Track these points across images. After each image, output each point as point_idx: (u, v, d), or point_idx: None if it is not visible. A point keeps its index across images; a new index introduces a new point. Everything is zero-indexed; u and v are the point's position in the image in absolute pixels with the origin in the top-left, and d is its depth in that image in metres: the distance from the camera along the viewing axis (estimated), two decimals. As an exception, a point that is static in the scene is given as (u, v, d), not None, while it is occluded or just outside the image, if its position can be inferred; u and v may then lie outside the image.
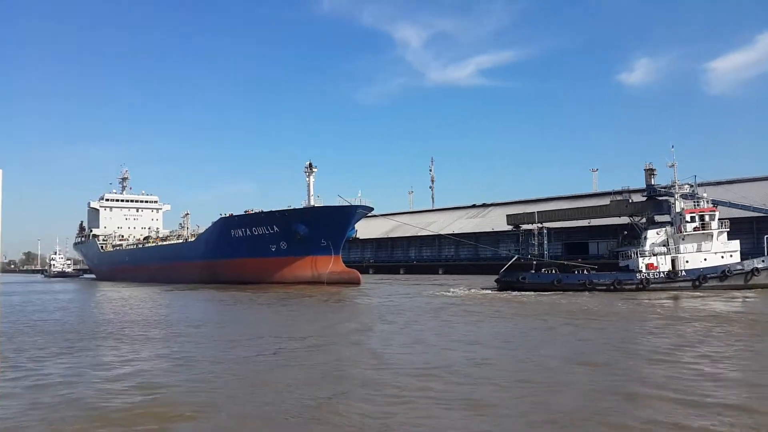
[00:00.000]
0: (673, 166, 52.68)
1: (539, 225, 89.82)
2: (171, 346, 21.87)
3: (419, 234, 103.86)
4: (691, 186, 59.50)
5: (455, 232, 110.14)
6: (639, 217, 62.29)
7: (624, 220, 67.17)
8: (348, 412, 11.97)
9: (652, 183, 66.05)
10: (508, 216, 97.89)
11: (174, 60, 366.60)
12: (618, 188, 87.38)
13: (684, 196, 54.66)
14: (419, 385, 14.29)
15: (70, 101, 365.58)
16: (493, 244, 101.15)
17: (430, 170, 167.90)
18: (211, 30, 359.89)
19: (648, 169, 67.24)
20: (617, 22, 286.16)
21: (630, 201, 67.99)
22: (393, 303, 41.61)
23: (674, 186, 51.98)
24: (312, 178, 68.56)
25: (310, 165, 68.54)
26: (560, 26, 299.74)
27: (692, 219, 48.75)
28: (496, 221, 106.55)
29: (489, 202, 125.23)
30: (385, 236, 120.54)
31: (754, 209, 64.42)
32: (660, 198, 62.95)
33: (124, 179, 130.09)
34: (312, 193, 68.24)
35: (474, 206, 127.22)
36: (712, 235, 48.08)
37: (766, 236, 52.99)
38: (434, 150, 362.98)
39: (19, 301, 51.64)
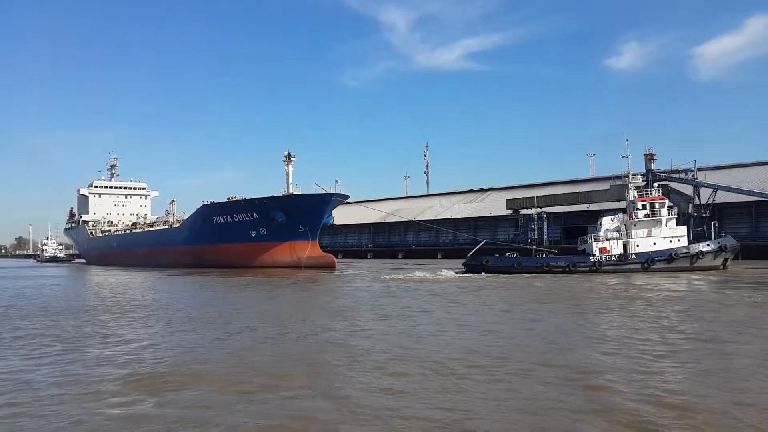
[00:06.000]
0: (627, 157, 55.59)
1: (539, 210, 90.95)
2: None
3: (417, 218, 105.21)
4: (690, 171, 62.07)
5: (453, 216, 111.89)
6: None
7: (623, 204, 69.02)
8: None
9: (652, 167, 67.82)
10: (507, 200, 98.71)
11: (161, 47, 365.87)
12: (617, 173, 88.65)
13: (687, 181, 57.02)
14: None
15: (60, 88, 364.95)
16: (491, 229, 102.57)
17: (425, 155, 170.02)
18: (195, 15, 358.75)
19: (647, 154, 68.89)
20: (606, 6, 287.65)
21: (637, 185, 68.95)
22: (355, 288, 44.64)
23: (628, 176, 54.91)
24: (291, 167, 71.17)
25: (289, 154, 71.18)
26: (548, 10, 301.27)
27: (643, 207, 51.90)
28: (494, 206, 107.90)
29: (486, 187, 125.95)
30: (382, 221, 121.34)
31: (754, 193, 66.13)
32: (660, 183, 64.96)
33: (112, 166, 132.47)
34: (291, 181, 70.96)
35: (471, 191, 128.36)
36: (662, 222, 51.28)
37: (713, 222, 56.27)
38: (428, 135, 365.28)
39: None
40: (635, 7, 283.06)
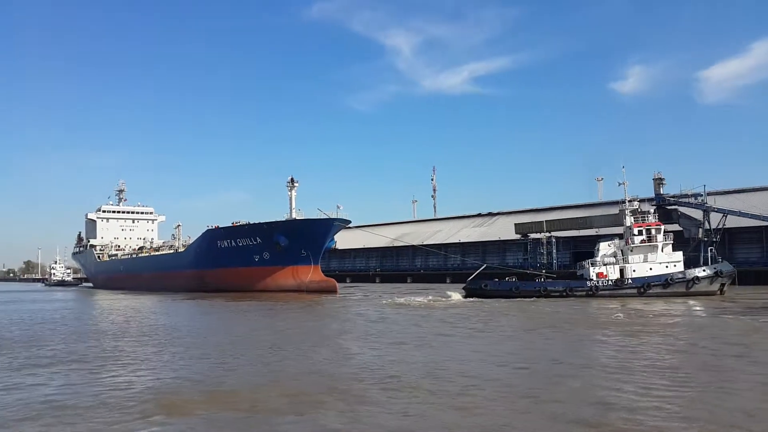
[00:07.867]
0: (623, 184, 56.43)
1: (548, 234, 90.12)
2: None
3: (425, 243, 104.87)
4: (700, 195, 62.71)
5: (461, 241, 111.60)
6: None
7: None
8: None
9: (661, 192, 68.52)
10: (516, 225, 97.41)
11: (167, 69, 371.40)
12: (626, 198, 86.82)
13: (696, 206, 57.98)
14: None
15: (66, 109, 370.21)
16: (500, 253, 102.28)
17: (432, 179, 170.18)
18: (201, 38, 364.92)
19: (656, 179, 69.43)
20: (610, 30, 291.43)
21: (639, 210, 69.05)
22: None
23: (624, 202, 55.73)
24: (294, 192, 72.56)
25: (292, 180, 72.70)
26: (553, 34, 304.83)
27: (639, 232, 52.57)
28: (502, 230, 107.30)
29: (495, 211, 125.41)
30: (390, 245, 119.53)
31: (764, 218, 65.53)
32: (669, 207, 65.53)
33: (120, 191, 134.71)
34: (294, 206, 72.32)
35: (480, 215, 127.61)
36: (658, 247, 51.83)
37: (710, 248, 56.76)
38: (436, 159, 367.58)
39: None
40: (638, 30, 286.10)
